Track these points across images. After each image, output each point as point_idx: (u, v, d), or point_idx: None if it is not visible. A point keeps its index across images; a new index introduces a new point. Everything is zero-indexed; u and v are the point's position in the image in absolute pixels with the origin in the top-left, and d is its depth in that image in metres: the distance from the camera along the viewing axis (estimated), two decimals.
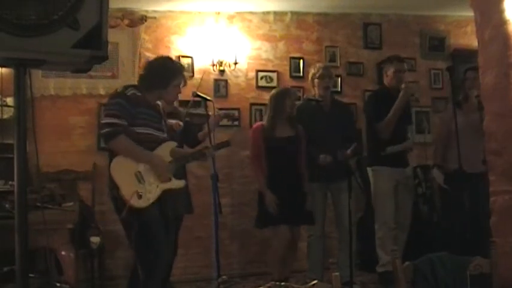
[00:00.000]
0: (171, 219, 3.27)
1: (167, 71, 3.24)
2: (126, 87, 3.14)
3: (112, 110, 3.02)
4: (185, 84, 3.63)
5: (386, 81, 4.47)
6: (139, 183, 3.02)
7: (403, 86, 4.26)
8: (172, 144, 3.25)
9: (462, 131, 3.93)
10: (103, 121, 3.04)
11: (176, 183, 3.21)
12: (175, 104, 4.01)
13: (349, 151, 4.11)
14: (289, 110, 4.14)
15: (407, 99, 4.27)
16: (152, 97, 3.20)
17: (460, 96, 4.45)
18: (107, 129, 2.98)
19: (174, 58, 3.58)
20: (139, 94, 3.11)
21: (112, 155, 3.08)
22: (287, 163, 4.12)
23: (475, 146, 3.97)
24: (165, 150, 3.20)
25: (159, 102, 3.30)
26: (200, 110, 4.02)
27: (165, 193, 3.13)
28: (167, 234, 3.17)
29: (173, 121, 3.75)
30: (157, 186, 3.08)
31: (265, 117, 4.25)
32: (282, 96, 4.18)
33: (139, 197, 2.99)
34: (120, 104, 3.02)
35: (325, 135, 4.10)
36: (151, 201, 3.03)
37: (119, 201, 3.03)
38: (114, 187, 3.02)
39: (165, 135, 3.25)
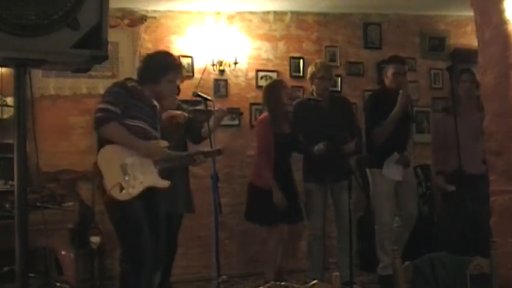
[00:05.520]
0: (161, 216, 3.22)
1: (160, 66, 3.21)
2: (127, 79, 3.19)
3: (109, 97, 3.04)
4: (181, 81, 3.57)
5: (386, 82, 4.42)
6: (123, 176, 3.01)
7: (400, 93, 4.18)
8: (163, 143, 3.22)
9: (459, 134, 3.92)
10: (98, 106, 3.04)
11: (161, 183, 3.17)
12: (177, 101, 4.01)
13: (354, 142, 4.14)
14: (286, 101, 4.09)
15: (404, 108, 4.20)
16: (147, 91, 3.18)
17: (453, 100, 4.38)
18: (99, 114, 2.98)
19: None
20: (139, 88, 3.14)
21: (101, 142, 3.07)
22: (286, 160, 4.11)
23: (473, 147, 3.99)
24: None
25: (156, 104, 3.27)
26: (203, 106, 3.97)
27: (149, 190, 3.09)
28: (156, 229, 3.14)
29: (178, 112, 3.72)
30: (141, 182, 3.05)
31: (264, 112, 4.21)
32: (277, 88, 4.14)
33: (122, 189, 2.98)
34: (118, 93, 3.05)
35: (324, 135, 4.09)
36: (132, 195, 3.01)
37: (100, 189, 3.06)
38: (98, 175, 3.04)
39: (158, 133, 3.22)
